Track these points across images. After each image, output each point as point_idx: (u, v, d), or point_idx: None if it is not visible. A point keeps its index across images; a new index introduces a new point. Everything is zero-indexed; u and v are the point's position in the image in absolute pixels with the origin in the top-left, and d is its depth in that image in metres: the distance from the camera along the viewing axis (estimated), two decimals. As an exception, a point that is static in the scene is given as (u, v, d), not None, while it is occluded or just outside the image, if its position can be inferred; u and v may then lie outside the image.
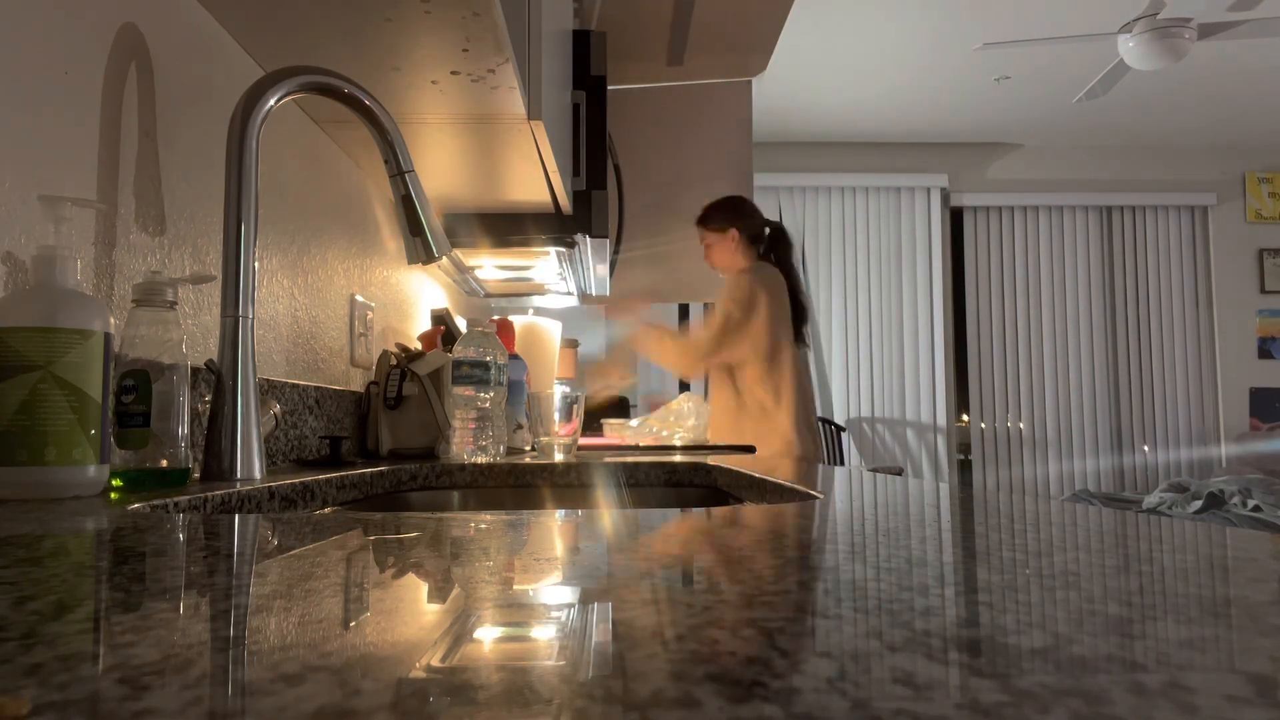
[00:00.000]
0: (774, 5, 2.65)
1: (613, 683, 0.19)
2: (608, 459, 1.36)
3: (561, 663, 0.20)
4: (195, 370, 0.98)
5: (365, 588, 0.30)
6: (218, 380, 0.85)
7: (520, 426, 1.74)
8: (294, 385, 1.27)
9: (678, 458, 1.39)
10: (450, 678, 0.19)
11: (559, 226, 1.82)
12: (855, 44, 4.01)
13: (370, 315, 1.67)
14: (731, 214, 2.56)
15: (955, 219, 5.46)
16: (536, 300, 2.63)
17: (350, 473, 1.01)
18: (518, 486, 1.23)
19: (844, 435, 5.04)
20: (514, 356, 1.76)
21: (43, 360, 0.63)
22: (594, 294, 2.65)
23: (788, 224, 5.27)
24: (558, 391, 1.52)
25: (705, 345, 2.44)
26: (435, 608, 0.26)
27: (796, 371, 2.50)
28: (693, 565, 0.34)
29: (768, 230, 2.59)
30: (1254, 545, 0.40)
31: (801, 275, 2.66)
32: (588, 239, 1.86)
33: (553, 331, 2.30)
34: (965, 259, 5.43)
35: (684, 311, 5.29)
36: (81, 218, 0.82)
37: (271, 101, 0.89)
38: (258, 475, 0.86)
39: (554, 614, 0.26)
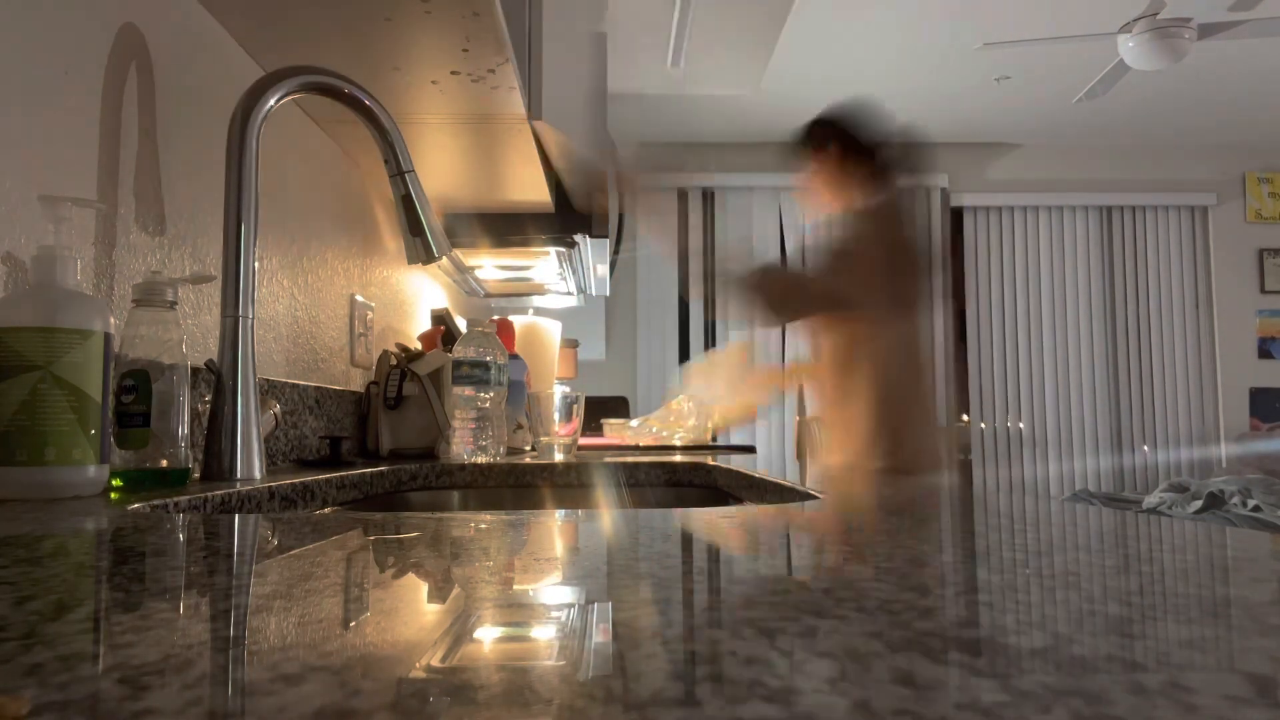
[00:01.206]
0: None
1: (613, 683, 0.19)
2: (608, 459, 1.36)
3: (561, 663, 0.20)
4: (195, 370, 0.98)
5: (365, 588, 0.30)
6: (218, 380, 0.85)
7: (520, 426, 1.74)
8: (294, 385, 1.27)
9: (678, 458, 1.39)
10: (450, 678, 0.19)
11: (559, 226, 1.82)
12: (855, 44, 4.01)
13: (370, 315, 1.67)
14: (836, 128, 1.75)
15: (955, 219, 5.46)
16: (536, 300, 2.63)
17: (350, 473, 1.01)
18: (518, 486, 1.23)
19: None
20: (514, 356, 1.76)
21: (43, 360, 0.63)
22: (594, 295, 2.64)
23: (788, 224, 5.27)
24: (558, 391, 1.52)
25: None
26: (435, 608, 0.26)
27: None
28: (692, 565, 0.34)
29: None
30: (1254, 545, 0.40)
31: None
32: (588, 239, 1.86)
33: (553, 331, 2.30)
34: (965, 259, 5.42)
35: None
36: (81, 218, 0.82)
37: (271, 101, 0.89)
38: (258, 475, 0.86)
39: (554, 614, 0.26)
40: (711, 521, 0.48)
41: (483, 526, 0.47)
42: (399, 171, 1.00)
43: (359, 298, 1.61)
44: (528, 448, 1.77)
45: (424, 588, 0.30)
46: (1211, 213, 5.41)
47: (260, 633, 0.23)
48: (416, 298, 2.05)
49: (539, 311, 2.84)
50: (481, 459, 1.34)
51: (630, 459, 1.35)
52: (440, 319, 1.87)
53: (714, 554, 0.37)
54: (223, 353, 0.86)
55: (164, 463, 0.75)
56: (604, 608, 0.27)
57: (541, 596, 0.28)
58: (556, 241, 1.83)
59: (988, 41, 3.92)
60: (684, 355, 5.26)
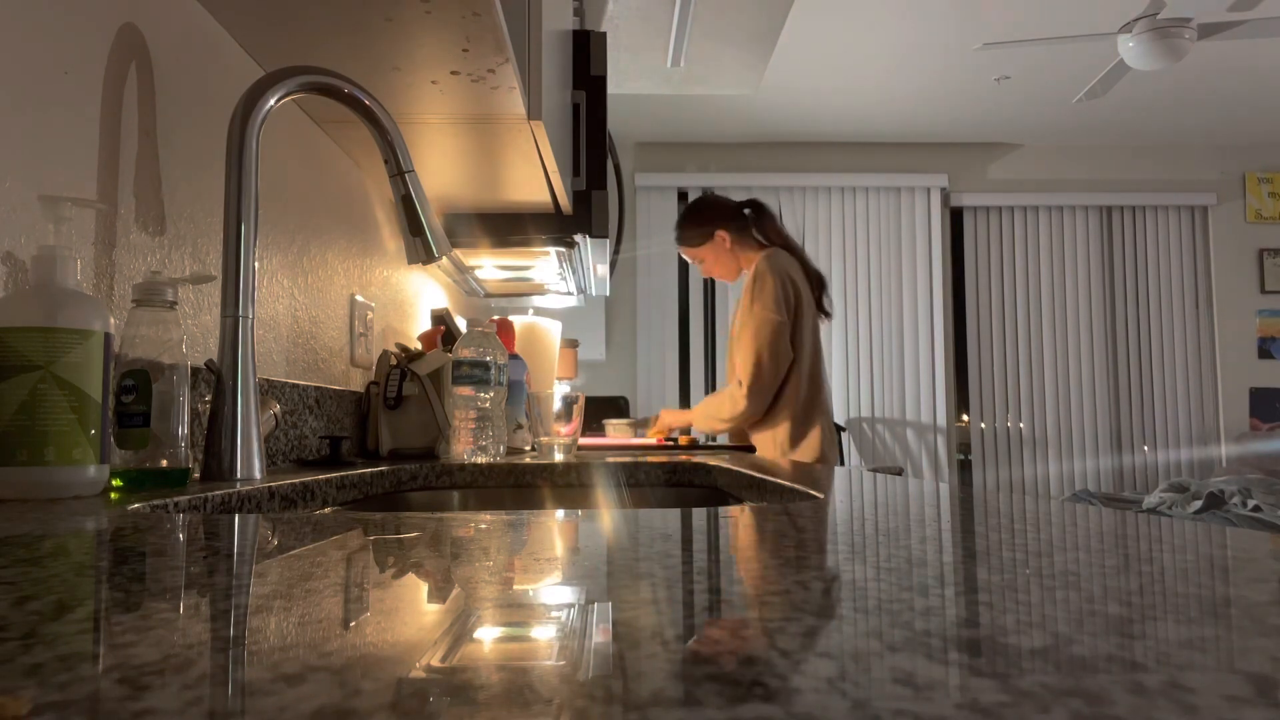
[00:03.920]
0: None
1: (613, 683, 0.19)
2: (608, 459, 1.36)
3: (561, 663, 0.20)
4: (195, 370, 0.98)
5: (365, 588, 0.30)
6: (218, 380, 0.85)
7: (520, 426, 1.74)
8: (294, 385, 1.27)
9: (678, 458, 1.39)
10: (450, 678, 0.19)
11: (559, 226, 1.82)
12: (855, 44, 4.01)
13: (370, 315, 1.67)
14: (706, 218, 2.34)
15: (955, 219, 5.46)
16: (536, 300, 2.63)
17: (350, 473, 1.01)
18: (518, 486, 1.23)
19: (844, 435, 5.05)
20: (514, 356, 1.76)
21: (43, 360, 0.63)
22: (594, 295, 2.64)
23: (788, 224, 5.27)
24: (558, 391, 1.52)
25: (763, 378, 2.18)
26: (435, 608, 0.26)
27: (823, 363, 2.36)
28: (693, 565, 0.34)
29: (747, 211, 2.38)
30: (1254, 545, 0.40)
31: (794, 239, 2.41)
32: (588, 239, 1.86)
33: (553, 331, 2.30)
34: (965, 259, 5.42)
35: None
36: (81, 218, 0.82)
37: (271, 101, 0.89)
38: (258, 475, 0.86)
39: (554, 614, 0.26)
40: (711, 521, 0.48)
41: (483, 526, 0.47)
42: (399, 171, 1.00)
43: (359, 298, 1.61)
44: (528, 448, 1.77)
45: (424, 588, 0.30)
46: (1211, 213, 5.41)
47: (260, 633, 0.23)
48: (416, 298, 2.05)
49: (539, 311, 2.84)
50: (481, 459, 1.34)
51: (630, 459, 1.35)
52: (440, 319, 1.87)
53: (714, 554, 0.37)
54: (223, 353, 0.86)
55: (164, 463, 0.75)
56: (604, 608, 0.27)
57: (541, 596, 0.28)
58: (556, 241, 1.82)
59: (988, 41, 3.92)
60: (684, 355, 5.26)
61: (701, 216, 2.36)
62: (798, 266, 2.32)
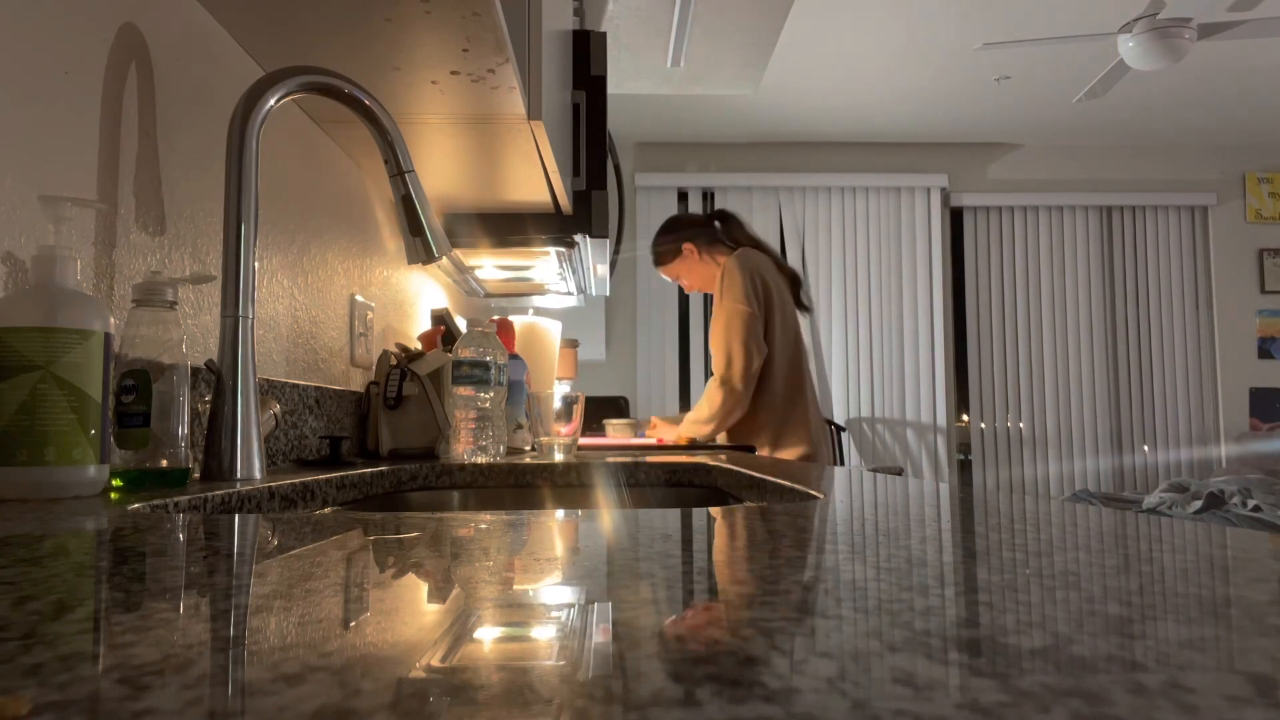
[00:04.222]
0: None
1: (613, 683, 0.19)
2: (608, 459, 1.36)
3: (561, 663, 0.20)
4: (195, 370, 0.98)
5: (365, 588, 0.30)
6: (218, 380, 0.85)
7: (520, 426, 1.74)
8: (294, 385, 1.27)
9: (678, 458, 1.39)
10: (450, 678, 0.19)
11: (559, 226, 1.82)
12: (855, 44, 4.01)
13: (370, 315, 1.67)
14: (672, 234, 2.42)
15: (955, 219, 5.46)
16: (536, 300, 2.63)
17: (350, 473, 1.01)
18: (518, 486, 1.23)
19: (844, 435, 5.05)
20: (514, 356, 1.76)
21: (43, 360, 0.63)
22: (594, 295, 2.64)
23: (787, 224, 5.28)
24: (558, 391, 1.52)
25: (734, 367, 2.18)
26: (435, 608, 0.26)
27: (804, 354, 2.34)
28: (693, 565, 0.34)
29: (715, 223, 2.44)
30: (1254, 545, 0.40)
31: (765, 241, 2.45)
32: (588, 239, 1.85)
33: (553, 331, 2.30)
34: (965, 259, 5.42)
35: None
36: (81, 218, 0.82)
37: (271, 101, 0.89)
38: (258, 475, 0.86)
39: (554, 614, 0.26)
40: (711, 521, 0.48)
41: (483, 526, 0.47)
42: (399, 171, 1.00)
43: (359, 298, 1.61)
44: (528, 448, 1.77)
45: (424, 588, 0.30)
46: (1211, 213, 5.41)
47: (260, 633, 0.23)
48: (416, 298, 2.05)
49: (539, 311, 2.84)
50: (481, 459, 1.34)
51: (630, 459, 1.35)
52: (440, 319, 1.87)
53: (714, 554, 0.37)
54: (223, 353, 0.86)
55: (164, 463, 0.75)
56: (604, 608, 0.27)
57: (541, 596, 0.28)
58: (556, 241, 1.82)
59: (988, 41, 3.92)
60: (684, 355, 5.26)
61: (667, 235, 2.43)
62: (770, 264, 2.33)
